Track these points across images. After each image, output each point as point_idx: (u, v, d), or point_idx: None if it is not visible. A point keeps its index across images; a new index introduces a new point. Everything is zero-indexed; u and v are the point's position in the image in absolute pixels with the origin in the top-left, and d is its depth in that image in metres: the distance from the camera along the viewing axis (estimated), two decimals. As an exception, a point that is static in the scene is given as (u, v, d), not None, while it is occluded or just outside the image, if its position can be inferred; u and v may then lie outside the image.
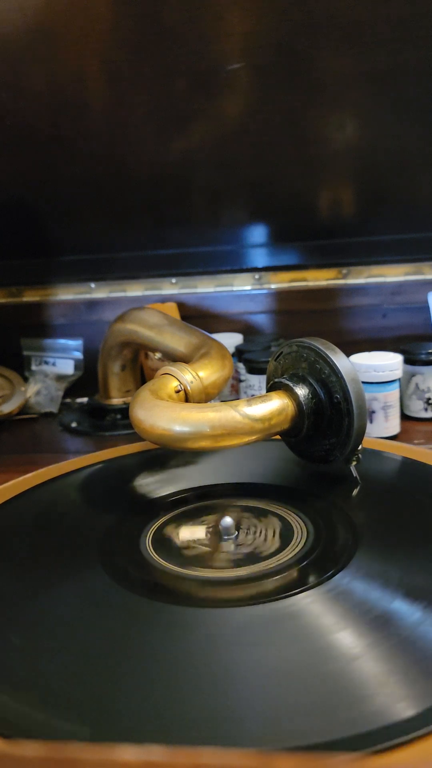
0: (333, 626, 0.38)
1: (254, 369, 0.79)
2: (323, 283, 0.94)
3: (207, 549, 0.47)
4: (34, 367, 0.97)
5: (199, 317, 0.95)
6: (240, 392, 0.84)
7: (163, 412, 0.52)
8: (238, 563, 0.45)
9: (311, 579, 0.42)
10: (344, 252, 0.94)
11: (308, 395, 0.53)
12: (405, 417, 0.77)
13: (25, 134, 0.86)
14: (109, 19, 0.75)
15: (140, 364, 0.86)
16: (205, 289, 0.96)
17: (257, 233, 0.95)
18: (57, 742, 0.30)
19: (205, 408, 0.51)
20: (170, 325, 0.72)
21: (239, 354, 0.83)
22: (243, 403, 0.51)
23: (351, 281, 0.93)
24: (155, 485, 0.58)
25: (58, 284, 0.99)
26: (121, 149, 0.87)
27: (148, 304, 0.92)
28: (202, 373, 0.61)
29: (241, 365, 0.82)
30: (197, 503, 0.54)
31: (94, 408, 0.84)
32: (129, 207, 0.94)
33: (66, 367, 0.96)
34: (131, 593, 0.42)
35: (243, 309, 0.96)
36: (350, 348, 0.77)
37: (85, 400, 0.92)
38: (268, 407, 0.52)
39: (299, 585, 0.41)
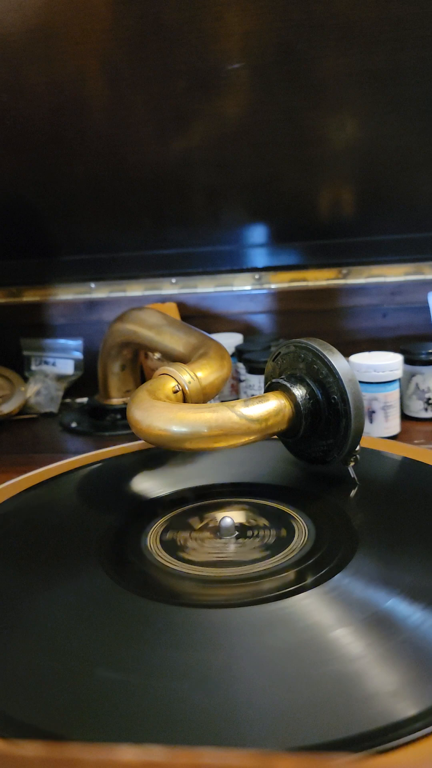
0: (333, 626, 0.38)
1: (254, 369, 0.79)
2: (323, 283, 0.94)
3: (207, 549, 0.47)
4: (34, 367, 0.97)
5: (199, 317, 0.95)
6: (240, 392, 0.84)
7: (160, 413, 0.52)
8: (238, 563, 0.45)
9: (311, 579, 0.42)
10: (344, 252, 0.94)
11: (305, 396, 0.53)
12: (405, 417, 0.77)
13: (25, 134, 0.86)
14: (109, 19, 0.75)
15: (140, 364, 0.86)
16: (205, 289, 0.96)
17: (257, 233, 0.95)
18: (57, 742, 0.30)
19: (203, 408, 0.51)
20: (169, 325, 0.72)
21: (239, 354, 0.83)
22: (240, 404, 0.51)
23: (351, 281, 0.93)
24: (155, 485, 0.58)
25: (58, 284, 0.99)
26: (121, 149, 0.87)
27: (148, 304, 0.92)
28: (200, 374, 0.61)
29: (241, 365, 0.82)
30: (197, 503, 0.54)
31: (93, 408, 0.84)
32: (129, 207, 0.94)
33: (66, 367, 0.96)
34: (131, 593, 0.42)
35: (243, 309, 0.96)
36: (350, 348, 0.77)
37: (85, 400, 0.92)
38: (265, 408, 0.52)
39: (299, 585, 0.41)
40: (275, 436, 0.56)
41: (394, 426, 0.73)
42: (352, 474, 0.55)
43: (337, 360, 0.52)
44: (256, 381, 0.79)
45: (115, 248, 0.97)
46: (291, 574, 0.43)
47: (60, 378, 0.94)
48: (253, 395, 0.79)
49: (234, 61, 0.78)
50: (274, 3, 0.72)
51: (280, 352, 0.57)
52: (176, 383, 0.59)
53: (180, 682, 0.34)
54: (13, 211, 0.95)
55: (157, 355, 0.84)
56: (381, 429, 0.72)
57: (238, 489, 0.57)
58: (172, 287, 0.97)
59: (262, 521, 0.50)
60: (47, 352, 0.97)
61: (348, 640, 0.36)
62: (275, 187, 0.91)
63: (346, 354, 0.58)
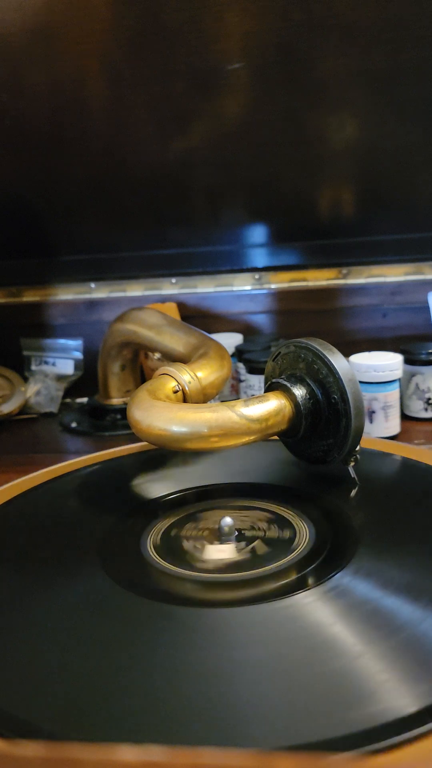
0: (333, 626, 0.38)
1: (254, 369, 0.79)
2: (323, 283, 0.94)
3: (207, 549, 0.47)
4: (34, 367, 0.97)
5: (199, 317, 0.95)
6: (240, 392, 0.84)
7: (160, 413, 0.52)
8: (238, 563, 0.45)
9: (311, 579, 0.42)
10: (344, 252, 0.93)
11: (306, 396, 0.53)
12: (405, 417, 0.77)
13: (25, 134, 0.86)
14: (109, 19, 0.75)
15: (140, 364, 0.86)
16: (205, 289, 0.96)
17: (257, 233, 0.95)
18: (57, 742, 0.30)
19: (203, 408, 0.51)
20: (169, 325, 0.72)
21: (239, 354, 0.83)
22: (240, 404, 0.51)
23: (351, 281, 0.93)
24: (155, 485, 0.58)
25: (58, 284, 0.99)
26: (121, 149, 0.87)
27: (148, 304, 0.92)
28: (200, 374, 0.61)
29: (241, 365, 0.82)
30: (197, 503, 0.54)
31: (93, 408, 0.84)
32: (129, 207, 0.94)
33: (66, 367, 0.96)
34: (131, 593, 0.42)
35: (243, 309, 0.96)
36: (350, 348, 0.77)
37: (85, 400, 0.92)
38: (265, 408, 0.52)
39: (299, 585, 0.41)
40: (275, 436, 0.56)
41: (394, 426, 0.73)
42: (352, 474, 0.55)
43: (337, 360, 0.52)
44: (256, 381, 0.79)
45: (115, 248, 0.97)
46: (291, 574, 0.43)
47: (60, 378, 0.94)
48: (253, 395, 0.79)
49: (234, 61, 0.78)
50: (274, 3, 0.72)
51: (280, 352, 0.57)
52: (176, 383, 0.59)
53: (180, 682, 0.34)
54: (13, 211, 0.95)
55: (157, 355, 0.84)
56: (381, 429, 0.72)
57: (238, 489, 0.57)
58: (172, 287, 0.97)
59: (263, 521, 0.50)
60: (47, 352, 0.97)
61: (348, 639, 0.36)
62: (275, 187, 0.91)
63: (346, 354, 0.58)
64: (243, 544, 0.47)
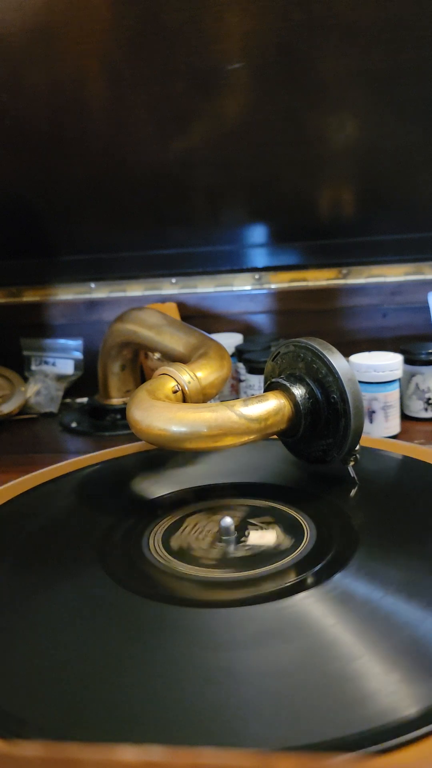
0: (333, 626, 0.38)
1: (254, 369, 0.79)
2: (323, 283, 0.94)
3: (207, 549, 0.47)
4: (34, 367, 0.97)
5: (199, 317, 0.95)
6: (240, 392, 0.84)
7: (160, 413, 0.52)
8: (238, 563, 0.45)
9: (311, 579, 0.42)
10: (344, 252, 0.94)
11: (305, 395, 0.53)
12: (405, 417, 0.77)
13: (25, 134, 0.86)
14: (109, 19, 0.75)
15: (140, 364, 0.86)
16: (205, 289, 0.96)
17: (257, 233, 0.95)
18: (57, 742, 0.30)
19: (202, 408, 0.51)
20: (169, 325, 0.72)
21: (239, 354, 0.83)
22: (239, 403, 0.51)
23: (351, 281, 0.93)
24: (155, 485, 0.58)
25: (58, 284, 0.99)
26: (121, 149, 0.87)
27: (148, 304, 0.92)
28: (200, 374, 0.61)
29: (241, 365, 0.82)
30: (197, 503, 0.54)
31: (93, 408, 0.84)
32: (129, 207, 0.94)
33: (66, 367, 0.96)
34: (131, 593, 0.42)
35: (243, 309, 0.96)
36: (350, 348, 0.77)
37: (85, 400, 0.92)
38: (264, 407, 0.52)
39: (299, 585, 0.41)
40: (275, 436, 0.56)
41: (394, 426, 0.73)
42: (352, 473, 0.55)
43: (336, 359, 0.52)
44: (256, 381, 0.79)
45: (115, 248, 0.97)
46: (291, 574, 0.43)
47: (60, 378, 0.94)
48: (253, 395, 0.79)
49: (234, 61, 0.78)
50: (274, 3, 0.72)
51: (279, 352, 0.57)
52: (176, 383, 0.59)
53: (180, 682, 0.34)
54: (13, 211, 0.95)
55: (157, 355, 0.84)
56: (381, 429, 0.72)
57: (238, 489, 0.57)
58: (172, 287, 0.97)
59: (262, 521, 0.50)
60: (47, 352, 0.97)
61: (348, 640, 0.36)
62: (275, 187, 0.91)
63: (346, 354, 0.58)
64: (243, 543, 0.47)
